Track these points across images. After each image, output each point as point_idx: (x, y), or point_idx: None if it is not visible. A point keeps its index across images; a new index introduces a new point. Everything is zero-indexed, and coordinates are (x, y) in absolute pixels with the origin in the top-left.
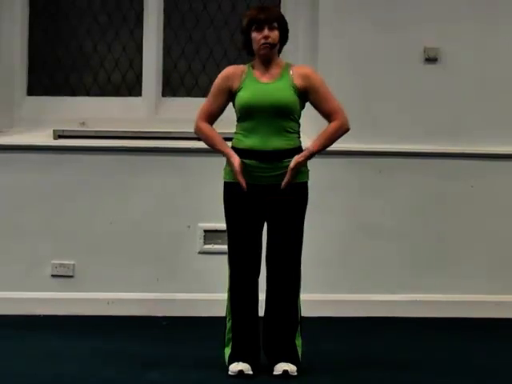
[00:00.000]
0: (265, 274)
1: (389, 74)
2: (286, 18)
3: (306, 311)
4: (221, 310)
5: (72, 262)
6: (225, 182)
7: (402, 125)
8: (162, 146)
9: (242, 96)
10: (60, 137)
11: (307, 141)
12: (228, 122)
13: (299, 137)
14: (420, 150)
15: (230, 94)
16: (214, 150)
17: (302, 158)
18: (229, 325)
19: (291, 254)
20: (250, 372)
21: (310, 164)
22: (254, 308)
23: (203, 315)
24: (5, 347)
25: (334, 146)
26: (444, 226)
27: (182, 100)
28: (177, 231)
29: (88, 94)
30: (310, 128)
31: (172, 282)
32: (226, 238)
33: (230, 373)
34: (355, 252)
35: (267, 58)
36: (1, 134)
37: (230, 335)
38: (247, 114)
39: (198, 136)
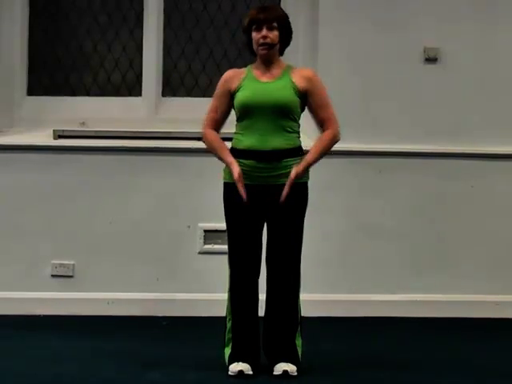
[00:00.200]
0: (265, 275)
1: (389, 73)
2: None
3: (305, 311)
4: (221, 310)
5: (72, 262)
6: (224, 183)
7: (402, 125)
8: (162, 145)
9: (242, 95)
10: (60, 137)
11: (307, 141)
12: (228, 122)
13: (299, 137)
14: (420, 149)
15: (231, 96)
16: (216, 157)
17: (301, 169)
18: (229, 325)
19: (291, 254)
20: (250, 372)
21: None
22: (254, 308)
23: (203, 315)
24: (5, 347)
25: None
26: (444, 226)
27: (181, 100)
28: (177, 231)
29: (88, 94)
30: (310, 128)
31: (172, 282)
32: (226, 238)
33: (229, 373)
34: (355, 252)
35: (267, 58)
36: (1, 134)
37: (230, 335)
38: (246, 113)
39: (204, 143)
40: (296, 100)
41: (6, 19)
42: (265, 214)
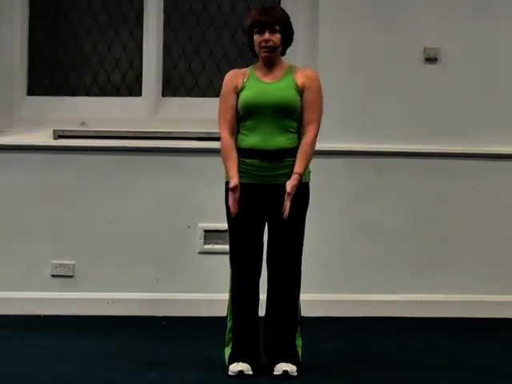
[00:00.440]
0: (265, 275)
1: (389, 73)
2: None
3: (305, 311)
4: (221, 310)
5: (72, 262)
6: (226, 183)
7: (402, 125)
8: (162, 145)
9: (245, 95)
10: (60, 137)
11: None
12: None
13: (299, 137)
14: (420, 149)
15: (237, 94)
16: (223, 163)
17: (295, 182)
18: (229, 325)
19: (292, 254)
20: (250, 372)
21: (311, 164)
22: (255, 308)
23: (203, 315)
24: (5, 347)
25: (334, 146)
26: (444, 226)
27: (181, 100)
28: (177, 231)
29: (88, 94)
30: None
31: (172, 281)
32: (227, 238)
33: (229, 373)
34: (355, 252)
35: (270, 61)
36: (1, 134)
37: (231, 335)
38: (250, 113)
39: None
40: (298, 99)
41: (5, 19)
42: (266, 214)
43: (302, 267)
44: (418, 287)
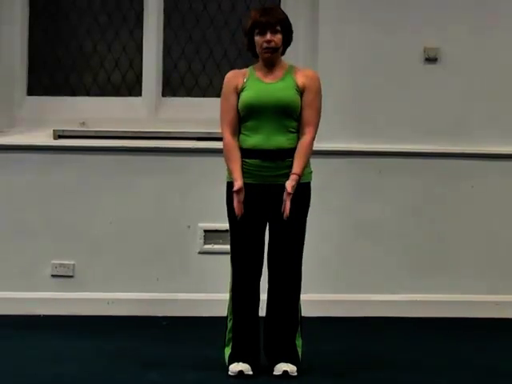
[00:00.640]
0: (266, 275)
1: (389, 73)
2: None
3: (305, 311)
4: (221, 310)
5: (72, 262)
6: (228, 183)
7: (402, 125)
8: (162, 146)
9: (246, 95)
10: (60, 137)
11: None
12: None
13: (299, 137)
14: (420, 150)
15: (238, 94)
16: (226, 165)
17: (294, 183)
18: (230, 325)
19: (293, 254)
20: (250, 372)
21: (311, 164)
22: (255, 308)
23: (203, 315)
24: (5, 347)
25: (334, 146)
26: (444, 226)
27: (181, 100)
28: (177, 231)
29: (88, 94)
30: None
31: (172, 281)
32: (227, 238)
33: (230, 373)
34: (355, 252)
35: (270, 61)
36: (1, 134)
37: (231, 335)
38: (251, 114)
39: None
40: (298, 99)
41: (5, 19)
42: (267, 214)
43: (303, 267)
44: (417, 287)
